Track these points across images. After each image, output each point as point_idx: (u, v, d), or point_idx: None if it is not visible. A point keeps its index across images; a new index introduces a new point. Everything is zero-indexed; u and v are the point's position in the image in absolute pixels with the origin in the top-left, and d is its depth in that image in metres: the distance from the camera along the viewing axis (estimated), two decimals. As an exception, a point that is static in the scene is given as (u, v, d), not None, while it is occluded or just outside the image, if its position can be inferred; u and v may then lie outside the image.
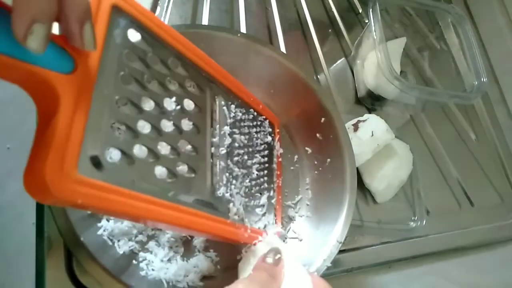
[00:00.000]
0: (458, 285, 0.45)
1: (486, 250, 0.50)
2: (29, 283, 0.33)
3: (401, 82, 0.44)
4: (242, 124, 0.35)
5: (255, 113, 0.38)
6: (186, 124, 0.28)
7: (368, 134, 0.43)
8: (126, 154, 0.22)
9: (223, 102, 0.32)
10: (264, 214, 0.35)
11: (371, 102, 0.51)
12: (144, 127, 0.24)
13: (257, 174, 0.36)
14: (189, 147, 0.28)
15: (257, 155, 0.37)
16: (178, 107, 0.27)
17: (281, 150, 0.41)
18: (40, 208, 0.34)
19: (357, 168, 0.44)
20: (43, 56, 0.18)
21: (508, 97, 0.60)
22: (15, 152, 0.38)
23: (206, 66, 0.31)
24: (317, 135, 0.41)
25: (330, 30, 0.55)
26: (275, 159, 0.40)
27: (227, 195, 0.30)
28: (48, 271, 0.33)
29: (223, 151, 0.31)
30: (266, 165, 0.38)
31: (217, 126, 0.31)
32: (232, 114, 0.33)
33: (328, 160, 0.40)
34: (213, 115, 0.31)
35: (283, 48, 0.49)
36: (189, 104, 0.29)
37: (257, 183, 0.36)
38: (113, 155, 0.22)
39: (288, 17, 0.53)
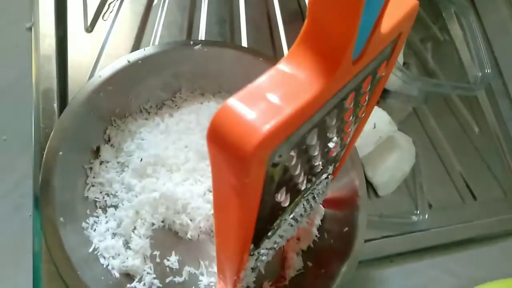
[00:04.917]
0: (460, 279, 0.45)
1: (488, 244, 0.49)
2: (26, 277, 0.33)
3: (404, 73, 0.44)
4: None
5: None
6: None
7: (371, 126, 0.42)
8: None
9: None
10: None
11: (373, 94, 0.50)
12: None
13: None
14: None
15: None
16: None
17: None
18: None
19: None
20: None
21: (512, 89, 0.59)
22: (11, 143, 0.38)
23: None
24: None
25: (331, 21, 0.54)
26: None
27: None
28: (45, 265, 0.32)
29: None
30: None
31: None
32: None
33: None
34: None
35: (283, 39, 0.49)
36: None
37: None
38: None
39: (289, 7, 0.52)
